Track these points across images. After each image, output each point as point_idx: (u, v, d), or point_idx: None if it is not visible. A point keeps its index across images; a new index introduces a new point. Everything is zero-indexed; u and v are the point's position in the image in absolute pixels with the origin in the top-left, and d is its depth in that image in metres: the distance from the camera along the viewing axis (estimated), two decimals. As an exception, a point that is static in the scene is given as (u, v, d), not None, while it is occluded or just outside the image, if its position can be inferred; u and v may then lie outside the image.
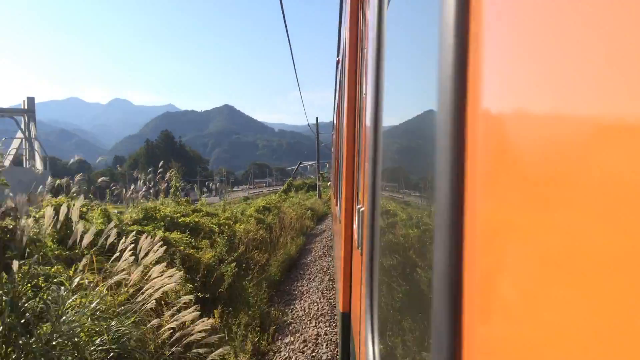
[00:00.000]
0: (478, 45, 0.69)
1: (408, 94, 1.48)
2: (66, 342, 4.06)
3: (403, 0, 1.53)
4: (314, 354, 7.34)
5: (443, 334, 0.76)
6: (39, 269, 4.98)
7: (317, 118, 42.68)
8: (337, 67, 8.71)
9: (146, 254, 5.33)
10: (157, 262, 5.54)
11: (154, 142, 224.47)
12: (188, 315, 4.95)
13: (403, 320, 1.43)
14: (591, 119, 0.43)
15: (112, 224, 5.54)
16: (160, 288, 4.96)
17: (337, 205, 7.35)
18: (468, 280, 0.72)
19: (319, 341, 7.89)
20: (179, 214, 11.09)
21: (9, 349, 3.77)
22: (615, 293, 0.39)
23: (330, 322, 8.77)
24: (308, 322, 8.87)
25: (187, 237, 9.50)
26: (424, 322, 1.06)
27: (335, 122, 11.36)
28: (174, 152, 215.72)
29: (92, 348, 4.16)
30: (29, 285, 4.39)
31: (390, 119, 1.72)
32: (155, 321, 4.88)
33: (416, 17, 1.30)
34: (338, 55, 7.86)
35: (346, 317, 3.93)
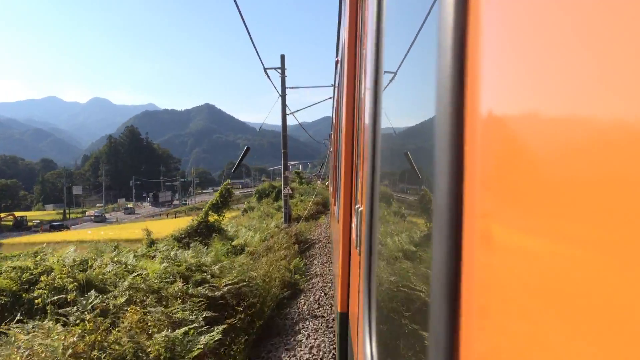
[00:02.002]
0: (476, 45, 0.69)
1: (407, 94, 1.50)
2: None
3: (401, 1, 1.54)
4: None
5: (441, 334, 0.76)
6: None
7: (282, 62, 22.34)
8: (336, 68, 8.71)
9: None
10: None
11: (117, 140, 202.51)
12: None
13: (401, 320, 1.44)
14: (589, 120, 0.43)
15: None
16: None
17: (335, 205, 7.23)
18: (466, 281, 0.72)
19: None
20: None
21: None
22: (615, 294, 0.39)
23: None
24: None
25: None
26: (422, 322, 1.07)
27: (334, 122, 11.32)
28: (140, 150, 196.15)
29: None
30: None
31: (389, 119, 1.74)
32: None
33: (415, 18, 1.32)
34: (337, 56, 7.79)
35: (344, 317, 3.90)
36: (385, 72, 1.76)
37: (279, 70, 22.62)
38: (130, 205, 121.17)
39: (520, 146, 0.57)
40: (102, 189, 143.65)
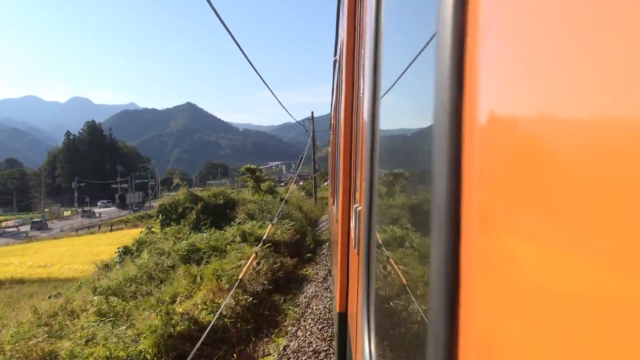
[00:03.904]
0: (475, 45, 0.70)
1: (405, 93, 1.52)
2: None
3: (400, 0, 1.56)
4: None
5: (439, 334, 0.77)
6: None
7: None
8: (334, 67, 8.69)
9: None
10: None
11: (76, 136, 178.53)
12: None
13: (400, 320, 1.46)
14: (588, 120, 0.44)
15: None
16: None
17: (334, 204, 7.37)
18: (465, 281, 0.72)
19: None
20: None
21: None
22: (616, 294, 0.39)
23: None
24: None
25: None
26: (421, 322, 1.09)
27: (332, 121, 11.15)
28: (103, 147, 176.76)
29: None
30: None
31: (388, 118, 1.76)
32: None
33: (413, 17, 1.33)
34: (335, 55, 7.88)
35: (343, 317, 3.90)
36: (384, 71, 1.78)
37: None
38: (88, 209, 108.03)
39: (518, 147, 0.58)
40: (42, 191, 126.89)
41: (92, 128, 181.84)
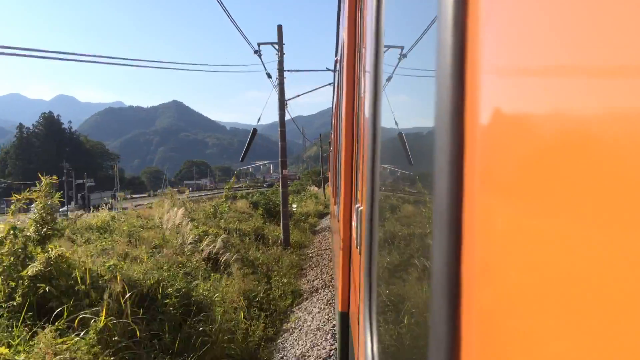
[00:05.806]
0: (476, 44, 0.70)
1: (406, 92, 1.53)
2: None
3: (401, 0, 1.57)
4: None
5: (441, 333, 0.77)
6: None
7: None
8: (335, 67, 8.80)
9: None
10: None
11: (30, 130, 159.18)
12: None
13: (401, 319, 1.47)
14: (589, 119, 0.44)
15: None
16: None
17: (335, 204, 7.41)
18: (466, 280, 0.72)
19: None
20: None
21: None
22: (616, 294, 0.39)
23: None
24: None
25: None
26: (423, 322, 1.10)
27: (333, 121, 11.11)
28: (62, 142, 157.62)
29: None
30: None
31: (389, 118, 1.76)
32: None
33: (414, 17, 1.34)
34: (336, 55, 7.91)
35: (345, 317, 3.92)
36: (385, 71, 1.77)
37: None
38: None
39: (520, 145, 0.57)
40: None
41: (48, 120, 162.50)
